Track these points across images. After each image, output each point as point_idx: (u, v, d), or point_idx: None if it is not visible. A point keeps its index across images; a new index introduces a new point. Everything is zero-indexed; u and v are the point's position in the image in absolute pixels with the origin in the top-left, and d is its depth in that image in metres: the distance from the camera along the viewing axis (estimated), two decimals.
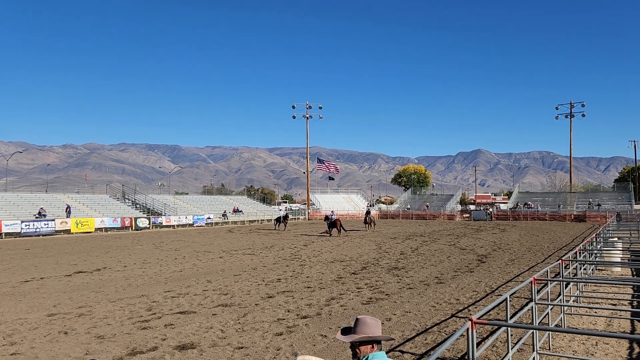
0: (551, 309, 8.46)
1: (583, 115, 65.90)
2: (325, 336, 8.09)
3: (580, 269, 12.23)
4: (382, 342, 3.43)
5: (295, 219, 57.56)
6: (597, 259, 14.24)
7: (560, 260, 9.00)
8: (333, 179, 76.49)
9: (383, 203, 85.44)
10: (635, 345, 7.38)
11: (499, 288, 12.47)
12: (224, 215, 49.62)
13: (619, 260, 14.79)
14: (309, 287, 12.60)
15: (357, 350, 3.21)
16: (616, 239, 18.74)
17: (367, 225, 36.81)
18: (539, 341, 6.86)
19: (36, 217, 35.54)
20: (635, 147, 78.62)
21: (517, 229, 38.52)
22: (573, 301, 9.95)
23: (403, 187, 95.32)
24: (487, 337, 7.91)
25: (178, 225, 43.73)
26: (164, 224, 42.78)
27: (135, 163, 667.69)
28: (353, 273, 15.12)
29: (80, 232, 35.89)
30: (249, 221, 51.84)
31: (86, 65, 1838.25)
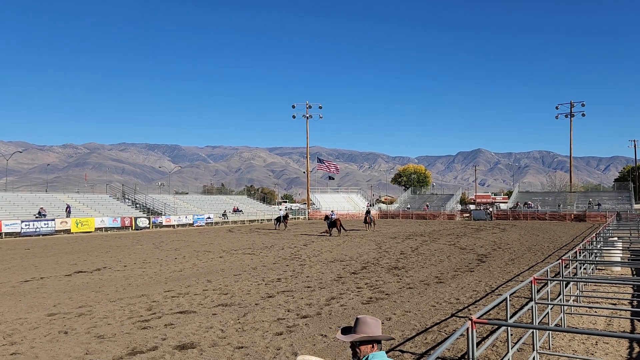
0: (551, 309, 8.45)
1: (583, 115, 65.88)
2: (326, 336, 8.09)
3: (580, 268, 12.23)
4: (382, 341, 3.43)
5: (295, 218, 57.56)
6: (597, 259, 14.23)
7: (560, 260, 9.00)
8: (333, 179, 76.48)
9: (383, 203, 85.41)
10: (635, 345, 7.38)
11: (499, 288, 12.47)
12: (224, 215, 49.63)
13: (619, 259, 14.79)
14: (309, 287, 12.60)
15: (358, 350, 3.21)
16: (616, 238, 18.74)
17: (367, 224, 36.80)
18: (539, 341, 6.86)
19: (36, 217, 35.54)
20: (635, 146, 78.67)
21: (517, 228, 38.52)
22: (573, 301, 9.94)
23: (403, 187, 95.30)
24: (487, 336, 7.91)
25: (178, 225, 43.72)
26: (164, 223, 42.77)
27: (135, 163, 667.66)
28: (353, 273, 15.12)
29: (80, 232, 35.89)
30: (249, 221, 51.84)
31: (86, 65, 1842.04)
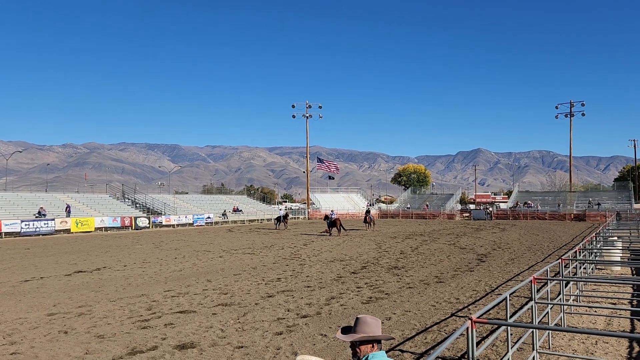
0: (551, 308, 8.45)
1: (583, 115, 65.91)
2: (325, 335, 8.09)
3: (580, 268, 12.23)
4: (382, 341, 3.43)
5: (295, 218, 57.58)
6: (596, 258, 14.23)
7: (560, 260, 9.00)
8: (333, 179, 76.49)
9: (383, 202, 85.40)
10: (635, 344, 7.38)
11: (499, 287, 12.48)
12: (224, 214, 49.62)
13: (618, 259, 14.80)
14: (308, 287, 12.60)
15: (357, 350, 3.21)
16: (616, 238, 18.75)
17: (367, 224, 36.82)
18: (539, 340, 6.86)
19: (36, 217, 35.53)
20: (635, 146, 78.66)
21: (517, 228, 38.53)
22: (573, 300, 9.94)
23: (403, 187, 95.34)
24: (487, 336, 7.91)
25: (178, 225, 43.72)
26: (163, 223, 42.77)
27: (135, 162, 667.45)
28: (353, 272, 15.12)
29: (80, 232, 35.89)
30: (249, 220, 51.84)
31: (86, 65, 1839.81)
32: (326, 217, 33.53)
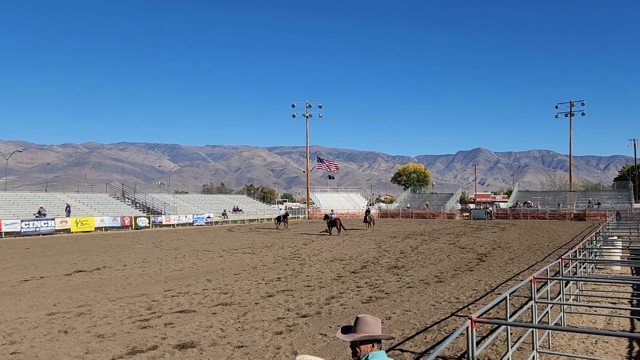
0: (551, 308, 8.45)
1: (583, 114, 65.92)
2: (325, 335, 8.09)
3: (580, 267, 12.23)
4: (382, 341, 3.43)
5: (295, 217, 57.58)
6: (596, 258, 14.24)
7: (560, 259, 9.00)
8: (333, 178, 76.47)
9: (383, 202, 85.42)
10: (634, 344, 7.38)
11: (499, 287, 12.48)
12: (224, 214, 49.62)
13: (618, 258, 14.80)
14: (308, 286, 12.60)
15: (357, 349, 3.21)
16: (616, 237, 18.73)
17: (367, 224, 36.84)
18: (539, 340, 6.86)
19: (36, 217, 35.53)
20: (635, 145, 78.67)
21: (517, 227, 38.54)
22: (573, 300, 9.94)
23: (403, 186, 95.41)
24: (487, 335, 7.91)
25: (178, 225, 43.72)
26: (163, 223, 42.77)
27: (135, 162, 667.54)
28: (353, 272, 15.12)
29: (80, 231, 35.89)
30: (249, 220, 51.85)
31: (86, 65, 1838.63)
32: (326, 217, 33.54)
